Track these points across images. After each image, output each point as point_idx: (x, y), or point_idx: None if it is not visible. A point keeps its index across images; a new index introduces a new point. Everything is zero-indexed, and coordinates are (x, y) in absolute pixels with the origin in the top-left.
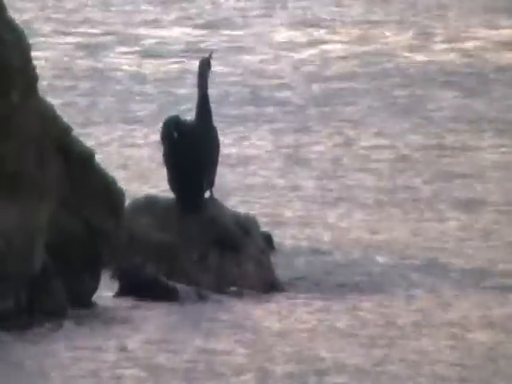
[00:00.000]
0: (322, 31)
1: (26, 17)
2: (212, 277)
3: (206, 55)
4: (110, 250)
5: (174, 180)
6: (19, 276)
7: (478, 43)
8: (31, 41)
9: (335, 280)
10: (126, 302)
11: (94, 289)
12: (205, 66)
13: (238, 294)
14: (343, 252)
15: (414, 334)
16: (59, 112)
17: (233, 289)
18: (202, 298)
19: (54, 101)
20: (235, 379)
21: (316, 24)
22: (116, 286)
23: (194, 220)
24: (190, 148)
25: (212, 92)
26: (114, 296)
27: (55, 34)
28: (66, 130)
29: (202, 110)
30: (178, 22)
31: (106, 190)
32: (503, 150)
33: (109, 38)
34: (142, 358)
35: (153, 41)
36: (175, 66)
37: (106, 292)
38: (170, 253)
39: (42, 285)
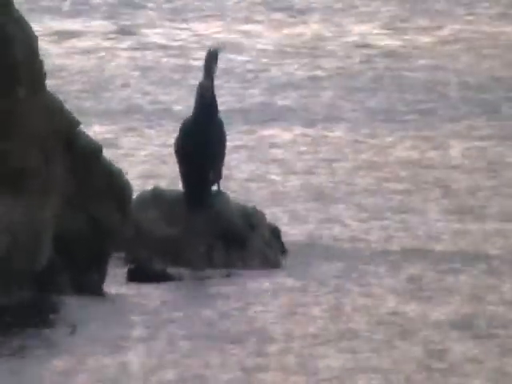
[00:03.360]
0: None
1: None
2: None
3: (215, 47)
4: (116, 245)
5: (181, 173)
6: (24, 272)
7: None
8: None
9: None
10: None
11: (101, 282)
12: (212, 58)
13: None
14: None
15: None
16: None
17: None
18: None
19: None
20: None
21: None
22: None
23: (200, 214)
24: (196, 141)
25: None
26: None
27: None
28: (73, 125)
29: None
30: None
31: (112, 185)
32: None
33: None
34: None
35: None
36: None
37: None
38: (175, 247)
39: (47, 280)
